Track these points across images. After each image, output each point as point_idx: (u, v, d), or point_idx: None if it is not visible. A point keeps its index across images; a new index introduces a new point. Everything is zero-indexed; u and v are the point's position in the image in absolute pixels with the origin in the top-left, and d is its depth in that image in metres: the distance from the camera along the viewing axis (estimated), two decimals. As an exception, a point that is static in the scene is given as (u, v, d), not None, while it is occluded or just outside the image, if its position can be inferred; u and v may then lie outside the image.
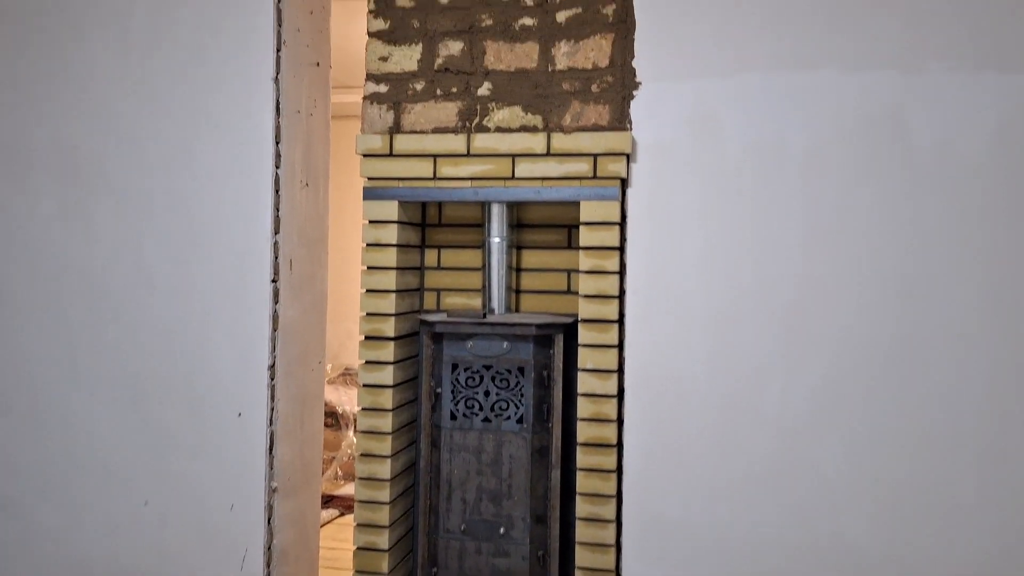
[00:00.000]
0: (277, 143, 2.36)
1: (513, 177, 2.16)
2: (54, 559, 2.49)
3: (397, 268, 2.25)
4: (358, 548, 2.23)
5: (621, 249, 2.12)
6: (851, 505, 1.99)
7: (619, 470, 2.12)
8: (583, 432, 2.12)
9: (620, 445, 2.12)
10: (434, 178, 2.21)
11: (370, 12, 2.30)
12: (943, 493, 1.95)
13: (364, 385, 2.25)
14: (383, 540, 2.21)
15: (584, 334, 2.12)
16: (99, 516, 2.45)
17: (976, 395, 1.95)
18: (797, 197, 2.03)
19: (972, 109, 1.95)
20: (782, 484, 2.04)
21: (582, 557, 2.11)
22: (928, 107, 1.97)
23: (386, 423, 2.23)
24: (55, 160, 2.48)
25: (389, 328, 2.24)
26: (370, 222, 2.26)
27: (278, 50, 2.36)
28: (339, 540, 3.45)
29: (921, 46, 1.97)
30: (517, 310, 2.36)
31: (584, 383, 2.12)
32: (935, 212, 1.96)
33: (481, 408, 2.22)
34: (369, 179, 2.26)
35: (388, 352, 2.24)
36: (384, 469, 2.22)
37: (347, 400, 4.07)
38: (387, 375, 2.23)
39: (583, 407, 2.12)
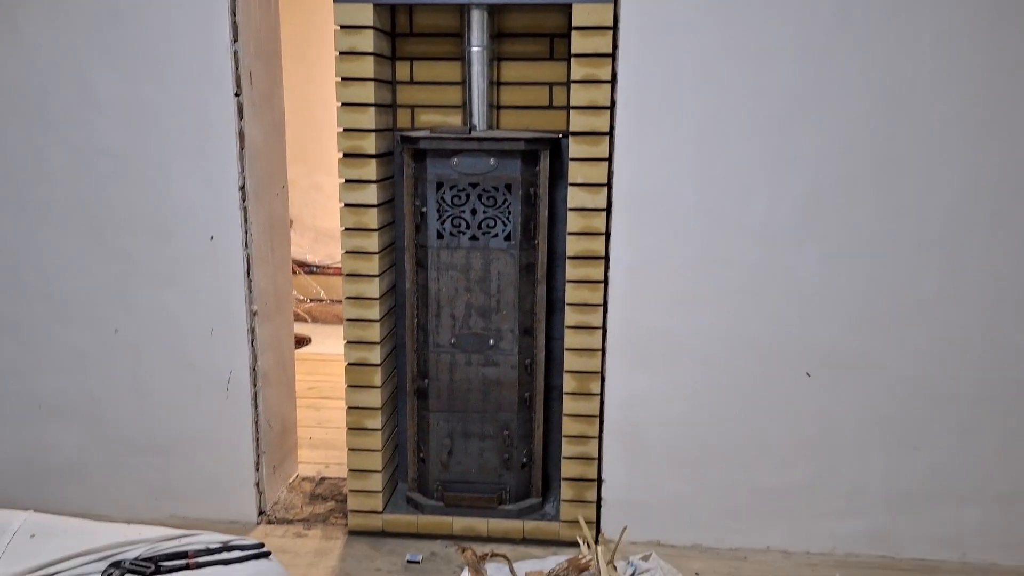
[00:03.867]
0: (228, -63, 2.11)
1: (500, -22, 2.03)
2: (18, 394, 2.41)
3: (375, 80, 2.12)
4: (350, 364, 2.25)
5: (613, 57, 2.06)
6: (825, 309, 2.14)
7: (605, 282, 2.18)
8: (573, 245, 2.14)
9: (607, 258, 2.17)
10: (413, -22, 2.04)
11: None
12: (907, 294, 2.11)
13: (346, 205, 2.18)
14: (374, 355, 2.24)
15: (575, 147, 2.09)
16: (62, 347, 2.37)
17: (944, 211, 2.06)
18: (791, 5, 1.99)
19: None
20: (762, 293, 2.15)
21: (571, 362, 2.21)
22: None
23: (372, 243, 2.19)
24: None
25: (370, 145, 2.14)
26: (342, 27, 2.09)
27: None
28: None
29: None
30: (497, 126, 2.29)
31: (574, 197, 2.12)
32: (925, 24, 1.98)
33: (468, 227, 2.20)
34: (339, -21, 2.07)
35: (370, 170, 2.15)
36: (372, 288, 2.21)
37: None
38: (370, 194, 2.16)
39: (573, 221, 2.13)
